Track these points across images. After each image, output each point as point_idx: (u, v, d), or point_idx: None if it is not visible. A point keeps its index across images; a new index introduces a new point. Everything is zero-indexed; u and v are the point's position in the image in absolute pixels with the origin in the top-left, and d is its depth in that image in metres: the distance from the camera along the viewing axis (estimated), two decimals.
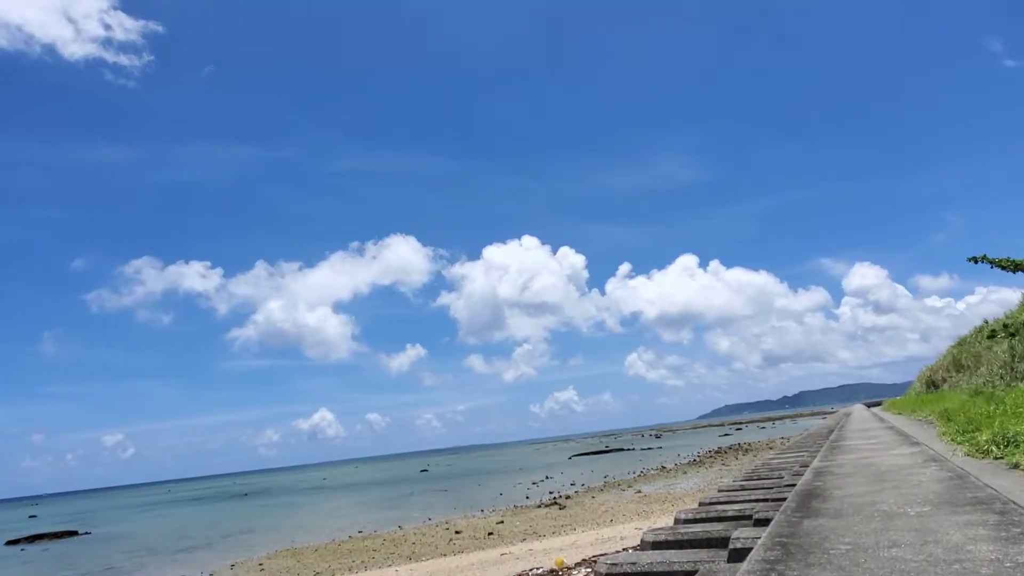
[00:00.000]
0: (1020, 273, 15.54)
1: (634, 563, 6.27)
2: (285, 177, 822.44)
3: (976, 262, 15.92)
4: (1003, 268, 15.55)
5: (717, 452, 67.67)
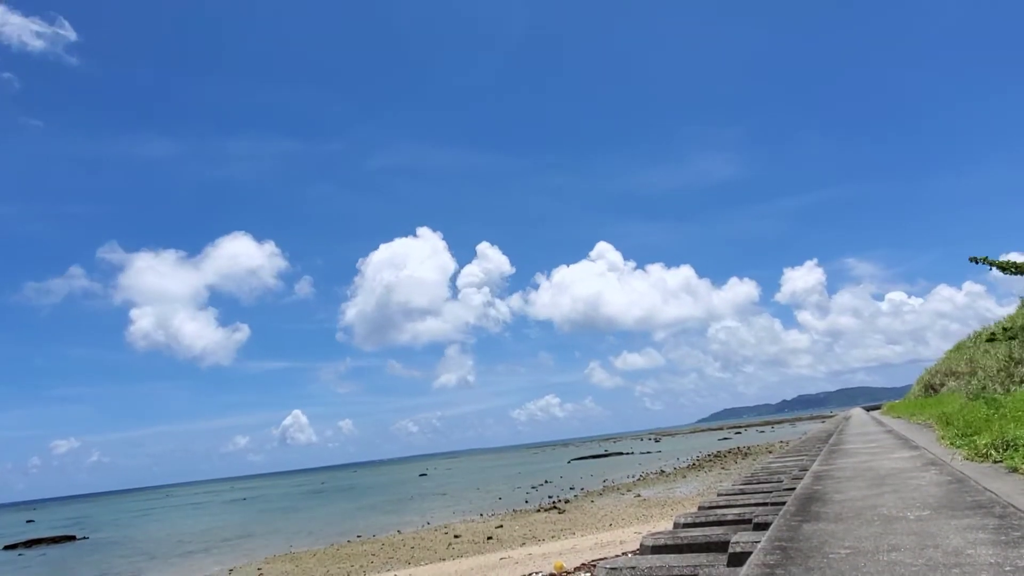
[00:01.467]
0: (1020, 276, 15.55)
1: (633, 567, 6.25)
2: (325, 172, 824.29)
3: (977, 263, 15.94)
4: (1004, 270, 15.57)
5: (716, 456, 67.62)
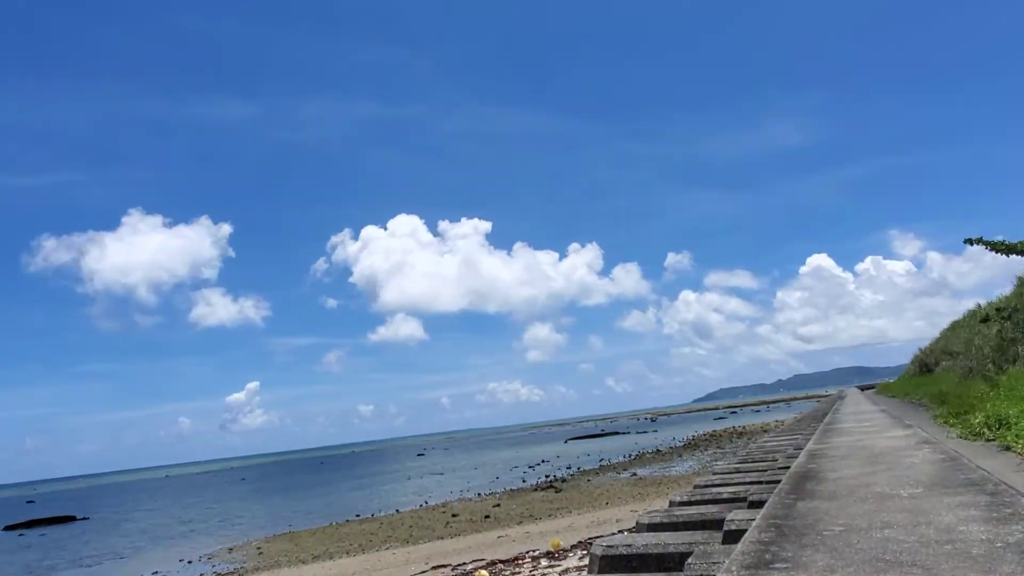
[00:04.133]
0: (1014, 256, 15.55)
1: (629, 545, 6.31)
2: (396, 136, 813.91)
3: (972, 244, 15.89)
4: (997, 251, 15.53)
5: (712, 435, 68.00)
